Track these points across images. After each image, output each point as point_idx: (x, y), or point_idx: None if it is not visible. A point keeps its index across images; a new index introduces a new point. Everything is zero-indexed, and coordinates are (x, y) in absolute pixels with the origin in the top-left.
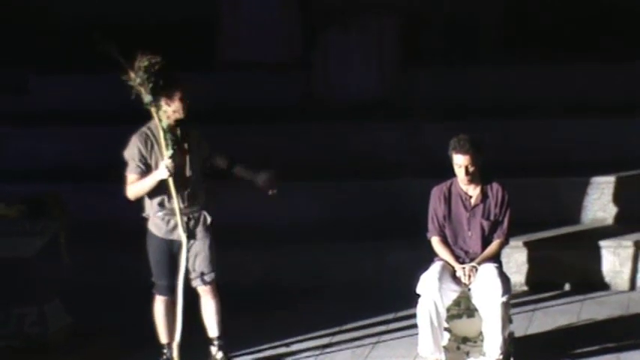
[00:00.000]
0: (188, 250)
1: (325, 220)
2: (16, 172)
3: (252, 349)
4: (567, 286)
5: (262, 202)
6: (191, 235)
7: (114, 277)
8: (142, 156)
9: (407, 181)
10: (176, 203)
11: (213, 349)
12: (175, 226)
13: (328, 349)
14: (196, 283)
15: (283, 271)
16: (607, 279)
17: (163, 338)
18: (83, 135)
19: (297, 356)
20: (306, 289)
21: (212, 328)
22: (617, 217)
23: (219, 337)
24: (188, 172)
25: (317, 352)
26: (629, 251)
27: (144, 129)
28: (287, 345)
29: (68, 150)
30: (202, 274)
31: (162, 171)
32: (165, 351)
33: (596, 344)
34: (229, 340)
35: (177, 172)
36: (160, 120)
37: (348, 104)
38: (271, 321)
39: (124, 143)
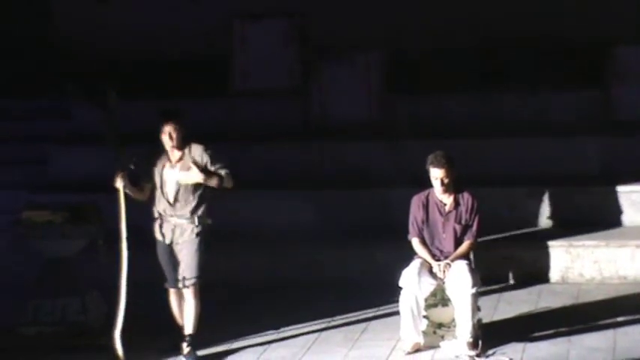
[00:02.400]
0: (175, 254)
1: (321, 224)
2: (60, 184)
3: (254, 335)
4: (528, 279)
5: (266, 208)
6: (173, 240)
7: (142, 274)
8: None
9: (391, 191)
10: (122, 206)
11: (184, 344)
12: (161, 230)
13: (324, 334)
14: (180, 285)
15: (284, 267)
16: (560, 273)
17: (179, 322)
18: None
19: (297, 340)
20: (303, 282)
21: (187, 326)
22: (568, 222)
23: (190, 335)
24: (175, 186)
25: (314, 337)
26: (579, 250)
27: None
28: (277, 329)
29: (104, 166)
30: (184, 278)
31: (117, 182)
32: (186, 337)
33: (551, 329)
34: (237, 326)
35: (162, 184)
36: (112, 138)
37: (340, 126)
38: (273, 311)
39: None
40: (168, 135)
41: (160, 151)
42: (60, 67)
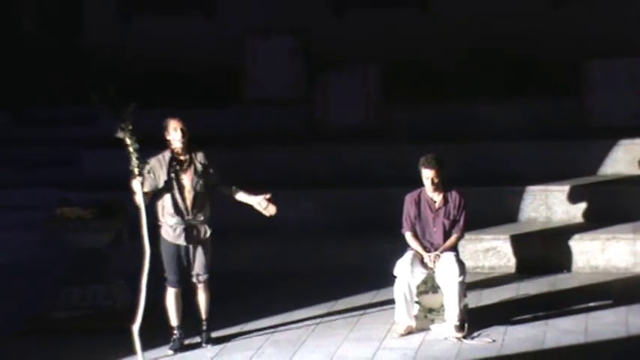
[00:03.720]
0: (190, 254)
1: (323, 219)
2: (89, 183)
3: (264, 319)
4: (509, 269)
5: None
6: (191, 241)
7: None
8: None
9: (386, 190)
10: (143, 212)
11: (204, 326)
12: (181, 233)
13: (326, 318)
14: (194, 280)
15: (290, 258)
16: (538, 264)
17: (173, 322)
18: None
19: (302, 323)
20: (307, 272)
21: (202, 314)
22: (545, 216)
23: (205, 321)
24: (191, 191)
25: (317, 321)
26: (555, 242)
27: (160, 155)
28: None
29: (128, 167)
30: (198, 275)
31: (135, 187)
32: (175, 332)
33: (530, 313)
34: (248, 311)
35: (180, 190)
36: (132, 145)
37: (340, 130)
38: (280, 298)
39: None
40: (180, 131)
41: (162, 157)
42: (88, 77)
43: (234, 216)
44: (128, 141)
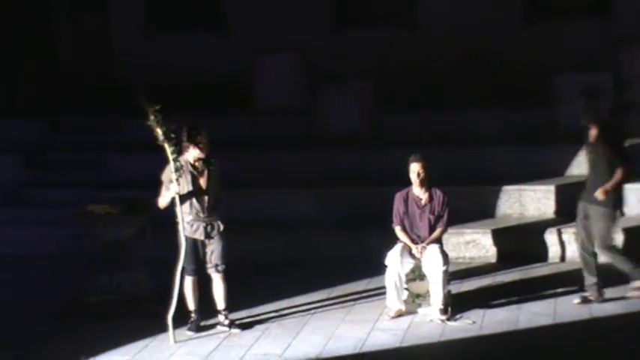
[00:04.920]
0: (206, 247)
1: (323, 215)
2: (116, 183)
3: (270, 303)
4: (488, 259)
5: (279, 203)
6: (207, 236)
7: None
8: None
9: (379, 189)
10: (179, 210)
11: (221, 317)
12: (197, 228)
13: (325, 303)
14: (211, 271)
15: (294, 250)
16: (513, 254)
17: (191, 306)
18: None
19: (303, 308)
20: (309, 263)
21: (220, 303)
22: (519, 213)
23: (225, 309)
24: (205, 192)
25: (316, 305)
26: (528, 235)
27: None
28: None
29: (151, 168)
30: (217, 265)
31: (172, 189)
32: (192, 315)
33: (506, 298)
34: (256, 296)
35: (198, 191)
36: (172, 154)
37: (338, 136)
38: (285, 284)
39: None
40: (205, 146)
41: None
42: (117, 89)
43: (244, 212)
44: (169, 149)
